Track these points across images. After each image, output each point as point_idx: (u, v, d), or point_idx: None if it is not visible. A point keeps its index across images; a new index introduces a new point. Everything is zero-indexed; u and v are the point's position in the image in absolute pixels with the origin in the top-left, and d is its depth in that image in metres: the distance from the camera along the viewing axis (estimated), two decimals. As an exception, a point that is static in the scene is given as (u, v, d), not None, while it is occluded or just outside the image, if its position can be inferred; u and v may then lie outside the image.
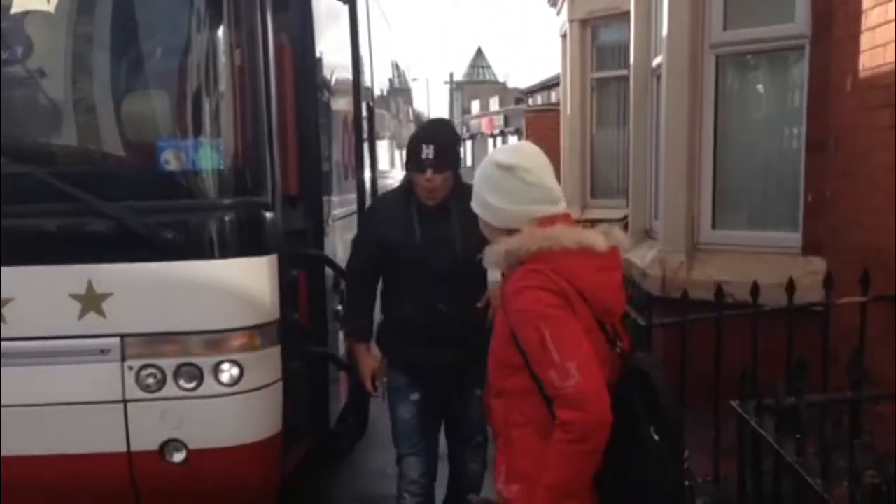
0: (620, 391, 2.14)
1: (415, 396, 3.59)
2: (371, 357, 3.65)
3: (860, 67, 4.17)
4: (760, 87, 5.56)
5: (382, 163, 6.91)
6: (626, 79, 8.03)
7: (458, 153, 3.59)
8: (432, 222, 3.45)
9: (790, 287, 3.74)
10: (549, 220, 2.24)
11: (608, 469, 2.12)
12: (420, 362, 3.54)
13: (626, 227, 7.11)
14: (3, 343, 3.40)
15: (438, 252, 3.41)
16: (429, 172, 3.37)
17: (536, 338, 2.05)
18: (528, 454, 2.13)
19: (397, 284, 3.58)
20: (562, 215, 2.28)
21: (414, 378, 3.59)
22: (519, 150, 2.36)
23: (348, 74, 4.77)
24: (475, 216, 2.50)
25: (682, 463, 2.38)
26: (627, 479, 2.13)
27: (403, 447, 3.67)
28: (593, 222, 9.02)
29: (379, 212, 3.73)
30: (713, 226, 5.41)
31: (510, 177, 2.26)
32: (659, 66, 5.96)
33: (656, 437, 2.18)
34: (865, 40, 4.10)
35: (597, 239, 2.20)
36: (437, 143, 3.41)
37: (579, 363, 2.02)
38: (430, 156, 3.37)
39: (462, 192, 3.32)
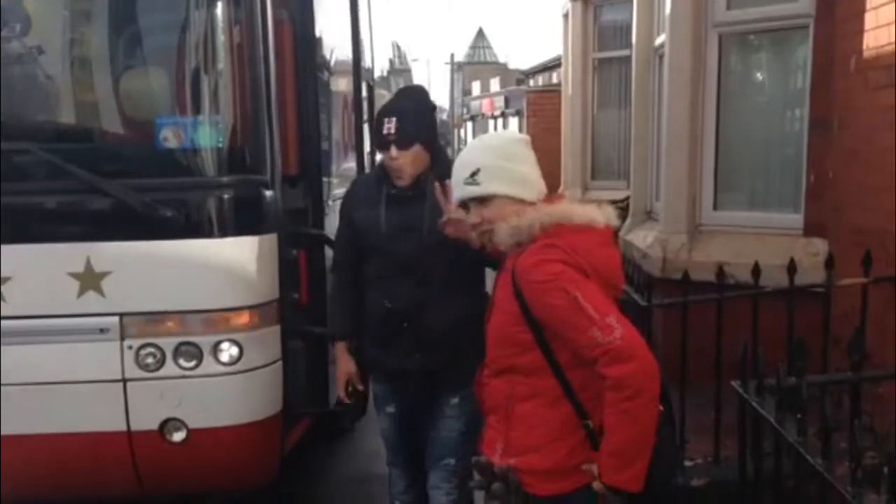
0: None
1: (390, 409, 3.32)
2: (349, 359, 3.33)
3: (864, 47, 4.13)
4: (763, 67, 5.52)
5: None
6: (628, 59, 7.97)
7: (427, 125, 3.12)
8: (402, 206, 3.07)
9: (791, 268, 3.73)
10: (549, 199, 2.28)
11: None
12: (387, 367, 3.23)
13: (626, 209, 7.09)
14: (2, 321, 3.40)
15: (405, 240, 3.04)
16: (393, 150, 3.00)
17: (568, 301, 2.04)
18: (538, 426, 2.14)
19: (368, 276, 3.20)
20: (561, 194, 2.32)
21: (390, 387, 3.30)
22: (512, 130, 2.43)
23: (348, 53, 4.74)
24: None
25: (675, 441, 2.39)
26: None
27: (388, 457, 3.47)
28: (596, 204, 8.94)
29: (351, 196, 3.34)
30: (714, 207, 5.38)
31: (529, 149, 2.33)
32: (661, 45, 5.92)
33: (661, 408, 2.22)
34: (869, 19, 4.06)
35: (598, 215, 2.24)
36: (400, 114, 3.02)
37: (617, 316, 2.04)
38: (392, 130, 2.98)
39: (443, 172, 2.88)
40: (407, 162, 3.01)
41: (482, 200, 2.28)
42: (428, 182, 3.01)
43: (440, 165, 3.06)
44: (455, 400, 3.14)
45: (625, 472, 2.05)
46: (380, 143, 3.06)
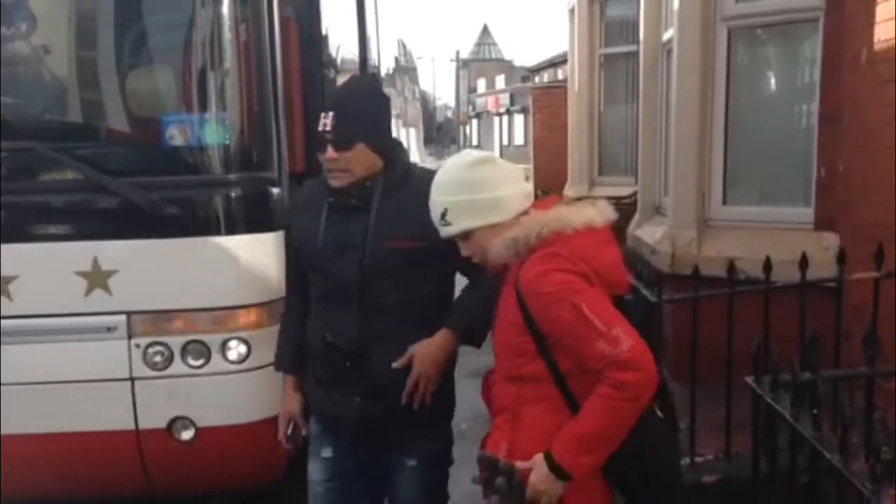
0: None
1: (326, 453, 2.72)
2: (293, 397, 2.81)
3: (875, 40, 4.10)
4: (773, 61, 5.48)
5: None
6: (635, 54, 7.94)
7: (373, 120, 2.55)
8: (345, 219, 2.55)
9: (803, 262, 3.70)
10: (543, 203, 2.24)
11: (619, 449, 2.10)
12: (326, 408, 2.68)
13: (634, 205, 7.07)
14: (10, 321, 3.40)
15: (344, 259, 2.52)
16: (329, 150, 2.48)
17: (573, 314, 2.01)
18: (543, 431, 2.11)
19: (312, 302, 2.69)
20: (554, 196, 2.31)
21: (327, 427, 2.71)
22: (472, 150, 2.40)
23: (355, 51, 4.73)
24: (411, 213, 2.38)
25: (677, 439, 2.38)
26: (635, 457, 2.12)
27: None
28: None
29: (295, 204, 2.89)
30: (724, 202, 5.36)
31: (490, 165, 2.25)
32: (669, 40, 5.89)
33: (660, 414, 2.22)
34: (880, 12, 4.02)
35: (595, 215, 2.20)
36: (338, 109, 2.51)
37: (624, 328, 2.01)
38: (328, 127, 2.48)
39: (398, 178, 2.54)
40: (349, 166, 2.49)
41: (464, 237, 2.25)
42: (377, 189, 2.53)
43: (395, 169, 2.57)
44: (411, 462, 2.63)
45: (579, 458, 2.03)
46: (317, 141, 2.56)
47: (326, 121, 2.49)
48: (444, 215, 2.22)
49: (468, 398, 5.96)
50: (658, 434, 2.19)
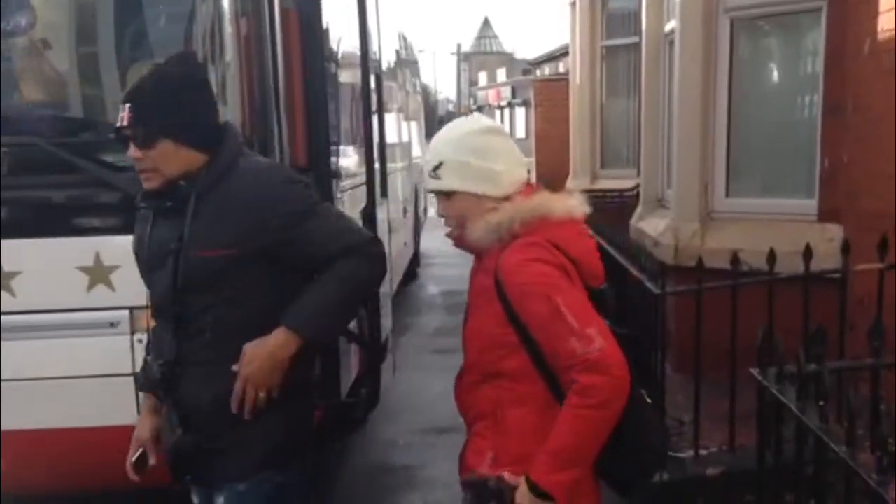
0: None
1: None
2: (145, 420, 2.49)
3: (878, 30, 4.09)
4: (776, 52, 5.46)
5: (390, 135, 6.86)
6: (636, 46, 7.92)
7: (181, 113, 2.18)
8: (167, 225, 2.24)
9: (807, 253, 3.69)
10: (525, 191, 2.18)
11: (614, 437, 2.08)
12: (165, 439, 2.43)
13: (637, 197, 7.05)
14: (12, 316, 3.39)
15: (163, 271, 2.23)
16: (131, 148, 2.18)
17: (549, 308, 1.97)
18: (529, 434, 2.05)
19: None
20: (537, 184, 2.26)
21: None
22: (482, 117, 2.32)
23: (356, 44, 4.70)
24: (230, 215, 2.14)
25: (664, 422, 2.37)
26: (625, 442, 2.09)
27: None
28: (605, 192, 9.00)
29: (139, 211, 2.40)
30: (727, 194, 5.35)
31: (500, 138, 2.21)
32: (672, 31, 5.87)
33: (649, 400, 2.23)
34: (884, 2, 4.01)
35: (575, 205, 2.17)
36: (135, 100, 2.17)
37: (598, 328, 1.97)
38: (125, 122, 2.16)
39: (216, 175, 2.20)
40: (154, 164, 2.17)
41: (446, 195, 2.19)
42: (196, 188, 2.18)
43: (216, 165, 2.21)
44: (220, 500, 2.34)
45: (554, 475, 1.96)
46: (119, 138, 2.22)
47: (123, 114, 2.15)
48: (437, 167, 2.16)
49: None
50: (649, 420, 2.19)
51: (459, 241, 2.23)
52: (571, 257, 2.09)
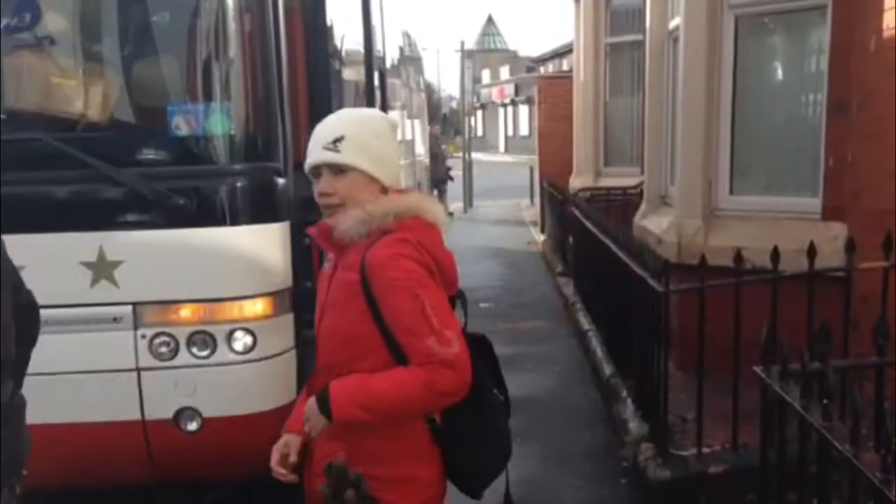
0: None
1: None
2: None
3: (884, 27, 4.07)
4: (780, 50, 5.45)
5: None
6: (640, 43, 7.91)
7: None
8: None
9: (811, 251, 3.68)
10: (400, 192, 2.20)
11: (460, 432, 2.11)
12: None
13: (640, 194, 7.04)
14: (15, 312, 3.39)
15: None
16: None
17: (414, 305, 1.98)
18: (384, 432, 2.06)
19: None
20: (406, 189, 2.29)
21: None
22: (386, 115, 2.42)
23: (360, 41, 4.70)
24: None
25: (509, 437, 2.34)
26: (479, 440, 2.14)
27: None
28: (608, 190, 9.00)
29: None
30: (731, 191, 5.34)
31: (396, 134, 2.26)
32: (676, 28, 5.86)
33: (501, 398, 2.24)
34: (890, -1, 4.00)
35: (442, 214, 2.20)
36: None
37: (457, 332, 2.01)
38: None
39: None
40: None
41: (338, 171, 2.11)
42: None
43: None
44: None
45: (352, 408, 2.00)
46: None
47: None
48: (337, 141, 2.10)
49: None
50: (499, 417, 2.21)
51: (321, 235, 2.15)
52: (437, 262, 2.10)
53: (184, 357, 3.46)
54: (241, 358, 3.49)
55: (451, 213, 18.12)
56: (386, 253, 2.03)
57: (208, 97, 3.57)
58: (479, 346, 2.20)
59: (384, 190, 2.13)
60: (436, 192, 17.97)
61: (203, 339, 3.46)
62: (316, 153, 2.13)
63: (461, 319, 2.18)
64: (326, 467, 2.02)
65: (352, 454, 2.05)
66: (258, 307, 3.50)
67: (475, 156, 22.42)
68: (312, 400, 2.09)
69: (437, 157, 17.97)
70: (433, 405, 2.04)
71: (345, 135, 2.11)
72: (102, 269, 3.41)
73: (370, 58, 4.83)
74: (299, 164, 3.81)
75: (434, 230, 2.15)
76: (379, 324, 2.03)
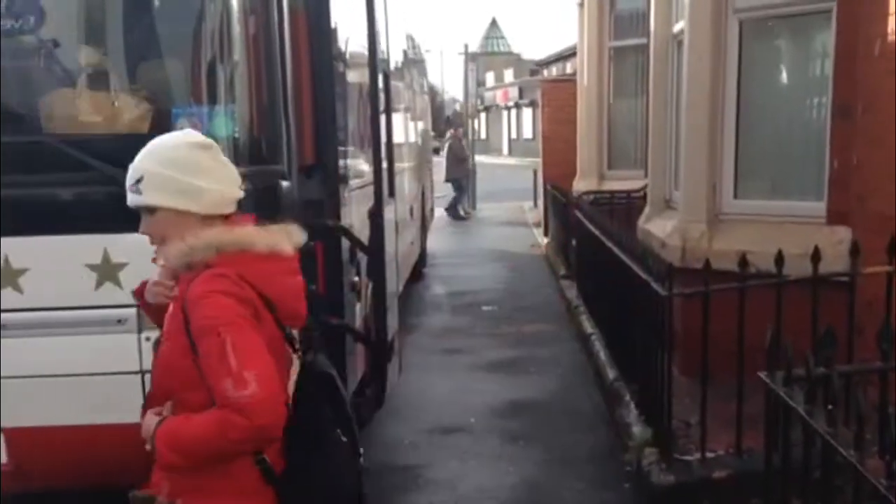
0: (307, 396, 2.11)
1: None
2: None
3: (889, 31, 4.06)
4: (785, 53, 5.44)
5: (397, 135, 6.85)
6: (644, 47, 7.90)
7: None
8: None
9: (816, 256, 3.68)
10: (235, 219, 2.10)
11: (294, 471, 2.06)
12: None
13: (644, 198, 7.04)
14: (20, 313, 3.40)
15: None
16: None
17: (217, 345, 1.90)
18: (208, 465, 2.00)
19: None
20: (247, 215, 2.16)
21: None
22: (197, 132, 2.22)
23: (364, 43, 4.70)
24: None
25: (360, 456, 2.30)
26: (314, 480, 2.08)
27: None
28: (612, 193, 8.98)
29: None
30: (735, 195, 5.33)
31: (208, 154, 2.09)
32: (680, 31, 5.86)
33: (344, 439, 2.18)
34: (895, 3, 3.99)
35: (283, 241, 2.10)
36: None
37: (258, 373, 1.89)
38: None
39: None
40: None
41: (148, 211, 2.05)
42: None
43: None
44: None
45: (167, 449, 1.95)
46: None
47: None
48: (138, 182, 2.04)
49: (477, 392, 5.96)
50: (343, 461, 2.16)
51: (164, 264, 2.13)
52: (265, 296, 2.01)
53: (187, 360, 3.46)
54: (244, 360, 3.49)
55: (466, 214, 18.18)
56: (200, 290, 1.95)
57: (213, 100, 3.58)
58: (323, 385, 2.16)
59: (207, 219, 2.04)
60: (456, 191, 18.05)
61: (206, 341, 3.46)
62: (128, 196, 2.08)
63: (302, 351, 2.13)
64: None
65: (176, 483, 2.02)
66: (262, 309, 3.50)
67: (478, 158, 22.42)
68: (150, 421, 2.02)
69: (458, 158, 18.00)
70: (230, 451, 1.95)
71: (143, 174, 2.04)
72: (107, 271, 3.41)
73: (374, 60, 4.83)
74: (303, 167, 3.85)
75: (270, 262, 2.05)
76: (197, 361, 1.96)
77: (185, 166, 2.03)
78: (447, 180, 18.12)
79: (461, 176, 18.16)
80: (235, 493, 2.02)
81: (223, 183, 2.09)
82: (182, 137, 2.13)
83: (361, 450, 2.33)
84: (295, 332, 2.18)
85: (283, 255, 2.08)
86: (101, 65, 3.64)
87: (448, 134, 19.85)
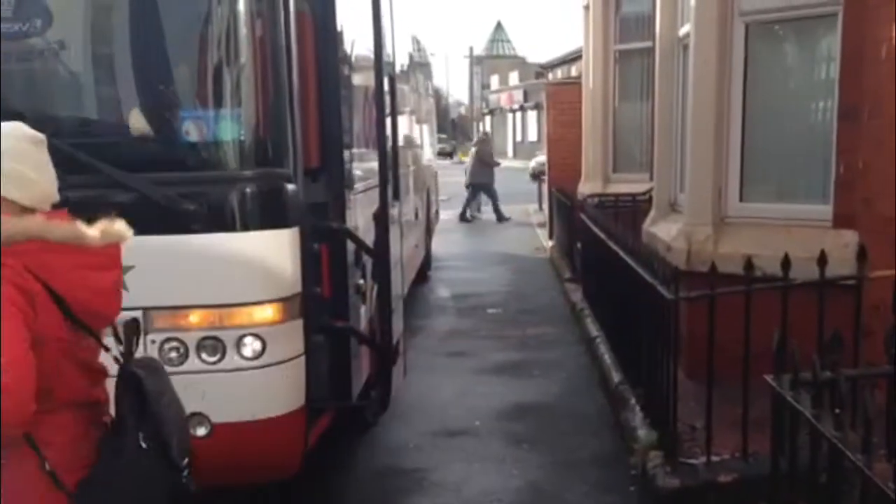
0: (115, 399, 2.09)
1: None
2: None
3: (895, 34, 4.05)
4: (791, 57, 5.44)
5: (403, 137, 6.85)
6: (649, 50, 7.90)
7: None
8: None
9: (822, 259, 3.67)
10: (50, 214, 2.08)
11: (91, 477, 2.03)
12: None
13: (650, 201, 7.03)
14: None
15: None
16: None
17: None
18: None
19: None
20: (62, 211, 2.13)
21: None
22: (25, 126, 2.17)
23: (370, 46, 4.70)
24: None
25: (181, 469, 2.23)
26: (112, 487, 2.05)
27: None
28: (617, 196, 8.96)
29: None
30: (741, 198, 5.32)
31: (37, 149, 2.09)
32: (686, 35, 5.85)
33: (144, 445, 2.12)
34: (901, 6, 3.98)
35: (89, 235, 2.07)
36: None
37: (9, 360, 1.83)
38: None
39: None
40: None
41: None
42: None
43: None
44: None
45: None
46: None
47: None
48: None
49: (482, 395, 5.95)
50: (138, 467, 2.11)
51: None
52: (52, 288, 1.98)
53: (193, 362, 3.46)
54: (250, 364, 3.50)
55: (472, 217, 18.01)
56: None
57: (219, 103, 3.59)
58: (126, 388, 2.13)
59: (34, 209, 2.03)
60: (481, 196, 17.86)
61: (212, 344, 3.47)
62: None
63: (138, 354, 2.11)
64: None
65: None
66: (267, 313, 3.51)
67: (484, 161, 22.36)
68: None
69: (484, 163, 17.76)
70: None
71: None
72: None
73: (380, 63, 4.83)
74: (309, 170, 3.85)
75: (70, 254, 2.03)
76: None
77: (13, 155, 2.03)
78: (468, 185, 17.90)
79: (487, 181, 17.71)
80: (26, 495, 1.98)
81: (47, 178, 2.09)
82: (11, 129, 2.10)
83: (186, 461, 2.26)
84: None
85: (88, 248, 2.06)
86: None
87: (475, 138, 19.29)
